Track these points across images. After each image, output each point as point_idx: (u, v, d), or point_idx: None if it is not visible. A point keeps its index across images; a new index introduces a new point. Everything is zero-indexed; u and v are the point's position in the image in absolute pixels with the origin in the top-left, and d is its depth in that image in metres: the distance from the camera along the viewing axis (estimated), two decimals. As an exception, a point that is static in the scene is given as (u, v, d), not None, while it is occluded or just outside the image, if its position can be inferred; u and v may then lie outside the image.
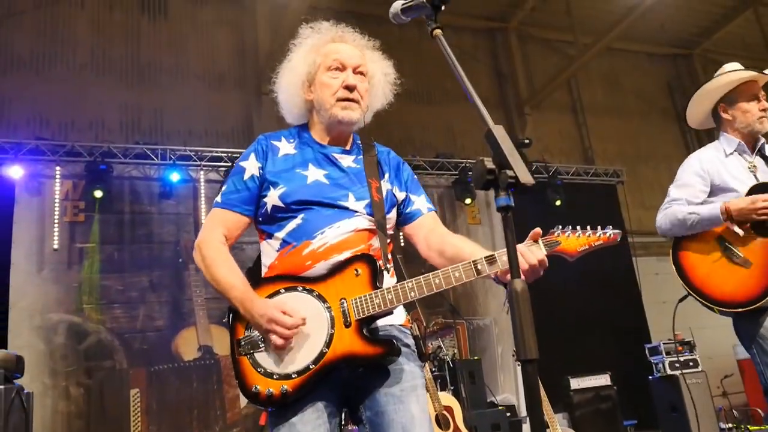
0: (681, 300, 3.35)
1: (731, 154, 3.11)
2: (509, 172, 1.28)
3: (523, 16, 10.17)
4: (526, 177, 1.27)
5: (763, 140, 3.15)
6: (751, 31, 10.59)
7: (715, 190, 3.04)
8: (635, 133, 10.74)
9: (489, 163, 1.30)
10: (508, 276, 1.80)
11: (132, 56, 7.99)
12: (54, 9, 7.76)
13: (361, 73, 2.14)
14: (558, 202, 8.41)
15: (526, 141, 8.38)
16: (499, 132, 1.33)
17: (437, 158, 8.31)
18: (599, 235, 1.95)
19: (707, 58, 11.66)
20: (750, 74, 3.11)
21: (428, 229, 2.17)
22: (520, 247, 1.81)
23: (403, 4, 1.76)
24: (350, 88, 2.09)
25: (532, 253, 1.81)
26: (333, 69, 2.10)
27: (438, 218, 2.23)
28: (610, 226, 1.99)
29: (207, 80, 8.24)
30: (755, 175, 3.03)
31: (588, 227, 1.96)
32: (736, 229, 2.89)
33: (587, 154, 10.34)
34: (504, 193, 1.29)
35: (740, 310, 2.86)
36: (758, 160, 3.10)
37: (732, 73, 3.13)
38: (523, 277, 1.80)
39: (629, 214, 9.04)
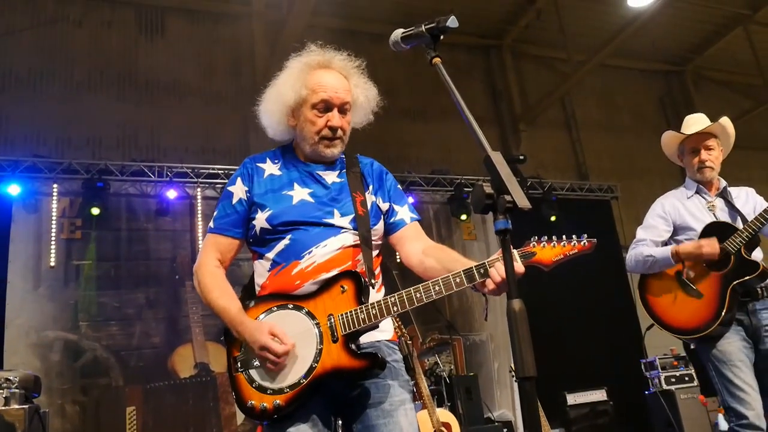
0: (648, 328, 3.72)
1: (692, 196, 3.53)
2: (507, 197, 1.32)
3: (517, 34, 10.28)
4: (523, 202, 1.32)
5: (724, 183, 3.55)
6: (741, 48, 10.72)
7: (677, 229, 3.48)
8: (629, 149, 10.83)
9: (488, 188, 1.34)
10: (487, 287, 1.87)
11: (129, 74, 8.04)
12: (52, 27, 7.82)
13: (346, 110, 2.18)
14: (553, 218, 8.46)
15: (521, 157, 8.45)
16: (497, 158, 1.39)
17: (432, 174, 8.36)
18: (573, 244, 2.01)
19: (699, 74, 11.80)
20: (681, 136, 3.57)
21: (411, 239, 2.23)
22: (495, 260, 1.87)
23: (403, 33, 1.81)
24: (334, 129, 2.15)
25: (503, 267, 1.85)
26: (318, 107, 2.14)
27: (420, 228, 2.28)
28: (585, 235, 2.04)
29: (204, 98, 8.29)
30: (714, 214, 3.43)
31: (563, 237, 2.02)
32: (686, 270, 3.32)
33: (581, 170, 10.41)
34: (502, 216, 1.34)
35: (694, 336, 3.26)
36: (718, 201, 3.49)
37: (671, 133, 3.62)
38: (494, 287, 1.85)
39: (624, 230, 9.10)
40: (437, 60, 1.68)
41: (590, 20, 9.67)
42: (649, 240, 3.49)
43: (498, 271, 1.85)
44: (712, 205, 3.45)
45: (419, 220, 2.30)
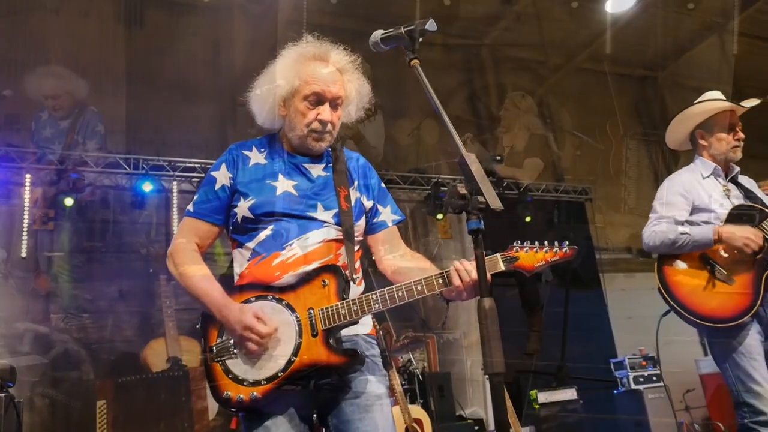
0: (664, 315, 3.43)
1: (708, 177, 3.28)
2: (480, 198, 1.35)
3: (496, 35, 10.34)
4: (495, 203, 1.35)
5: (737, 168, 3.34)
6: (715, 56, 10.90)
7: (694, 210, 3.20)
8: (604, 153, 10.97)
9: (461, 189, 1.37)
10: (453, 294, 1.92)
11: (106, 64, 7.93)
12: (28, 15, 7.69)
13: (338, 104, 2.18)
14: (528, 219, 8.54)
15: (498, 158, 8.52)
16: (471, 159, 1.41)
17: (409, 173, 8.38)
18: (555, 251, 2.04)
19: (673, 81, 11.97)
20: (727, 105, 3.31)
21: (388, 243, 2.26)
22: (466, 263, 1.92)
23: (383, 34, 1.84)
24: (324, 123, 2.14)
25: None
26: (310, 99, 2.13)
27: (398, 233, 2.31)
28: (566, 242, 2.07)
29: (182, 90, 8.20)
30: (729, 199, 3.21)
31: (545, 243, 2.05)
32: (722, 252, 3.05)
33: (557, 171, 10.52)
34: (475, 216, 1.36)
35: (724, 325, 2.97)
36: (731, 185, 3.29)
37: (710, 102, 3.34)
38: (463, 289, 1.90)
39: (597, 231, 9.22)
40: (415, 62, 1.72)
41: (568, 24, 9.77)
42: (672, 218, 3.17)
43: (472, 274, 1.88)
44: (727, 190, 3.25)
45: (402, 220, 2.33)
